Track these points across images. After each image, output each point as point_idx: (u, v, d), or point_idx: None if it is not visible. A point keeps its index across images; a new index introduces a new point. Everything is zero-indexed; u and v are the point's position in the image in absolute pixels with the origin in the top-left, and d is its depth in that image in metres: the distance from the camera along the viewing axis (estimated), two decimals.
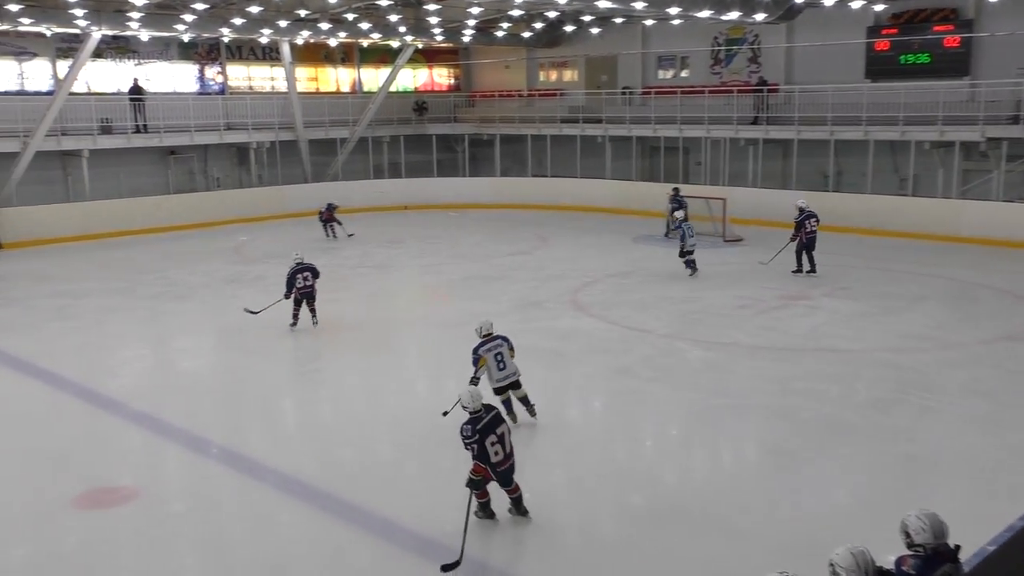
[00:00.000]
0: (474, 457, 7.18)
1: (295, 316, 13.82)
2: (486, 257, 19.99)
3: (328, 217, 22.93)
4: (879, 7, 23.00)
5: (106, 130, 24.44)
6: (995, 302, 15.13)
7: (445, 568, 6.66)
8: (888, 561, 4.61)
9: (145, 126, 25.02)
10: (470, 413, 7.26)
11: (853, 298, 15.26)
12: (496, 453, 7.20)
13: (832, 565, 4.39)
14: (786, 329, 13.48)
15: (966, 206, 20.90)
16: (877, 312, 14.32)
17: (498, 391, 9.44)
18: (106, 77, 25.75)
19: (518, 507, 7.53)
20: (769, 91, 25.12)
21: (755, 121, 25.00)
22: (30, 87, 24.39)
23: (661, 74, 29.38)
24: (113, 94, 25.50)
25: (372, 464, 8.93)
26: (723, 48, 27.57)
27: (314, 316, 13.88)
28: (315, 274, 13.97)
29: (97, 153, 24.08)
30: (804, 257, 17.01)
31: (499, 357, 9.40)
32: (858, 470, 8.50)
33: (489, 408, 7.36)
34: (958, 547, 4.56)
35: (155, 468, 9.04)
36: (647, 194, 25.04)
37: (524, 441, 9.38)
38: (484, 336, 9.46)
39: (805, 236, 16.81)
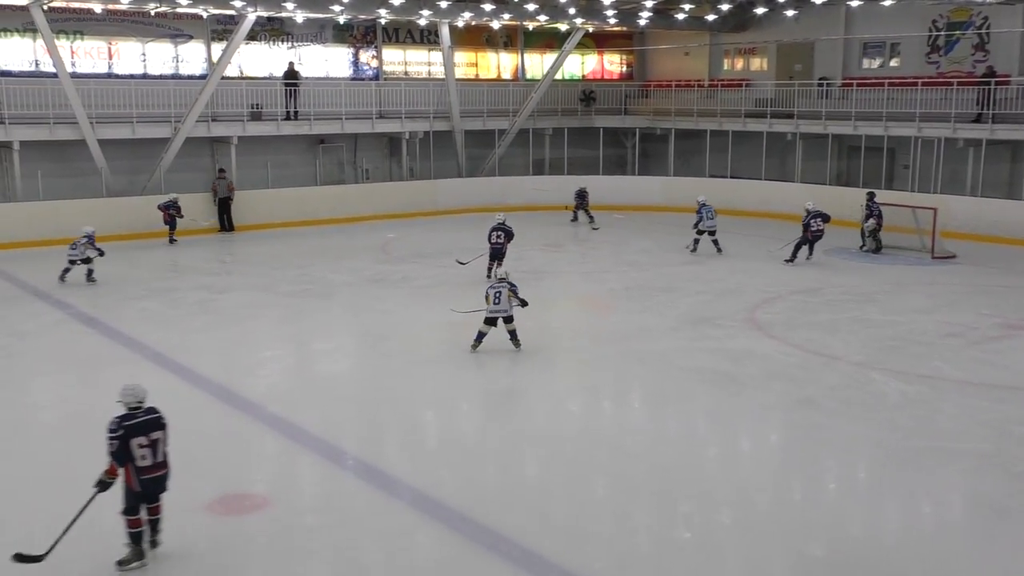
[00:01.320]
0: (111, 453, 7.20)
1: (488, 268, 17.67)
2: (654, 266, 19.85)
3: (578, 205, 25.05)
4: None
5: (256, 116, 25.81)
6: None
7: (22, 557, 6.96)
8: None
9: (296, 113, 26.26)
10: (125, 407, 7.32)
11: None
12: (143, 457, 7.27)
13: None
14: (1007, 364, 12.72)
15: None
16: None
17: (488, 321, 13.01)
18: (259, 61, 27.24)
19: (153, 529, 7.51)
20: (998, 83, 23.77)
21: (978, 118, 23.74)
22: (184, 71, 26.09)
23: (866, 63, 28.42)
24: (265, 78, 26.95)
25: (516, 488, 9.01)
26: (943, 33, 26.33)
27: (490, 270, 17.39)
28: (508, 236, 18.07)
29: (245, 140, 25.48)
30: (804, 250, 19.75)
31: (497, 296, 12.98)
32: None
33: (150, 410, 7.43)
34: None
35: (289, 477, 9.46)
36: (843, 200, 24.19)
37: (689, 470, 9.27)
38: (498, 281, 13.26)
39: (811, 234, 19.76)
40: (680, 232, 23.60)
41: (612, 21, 27.98)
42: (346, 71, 28.87)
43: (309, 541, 7.89)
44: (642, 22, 28.42)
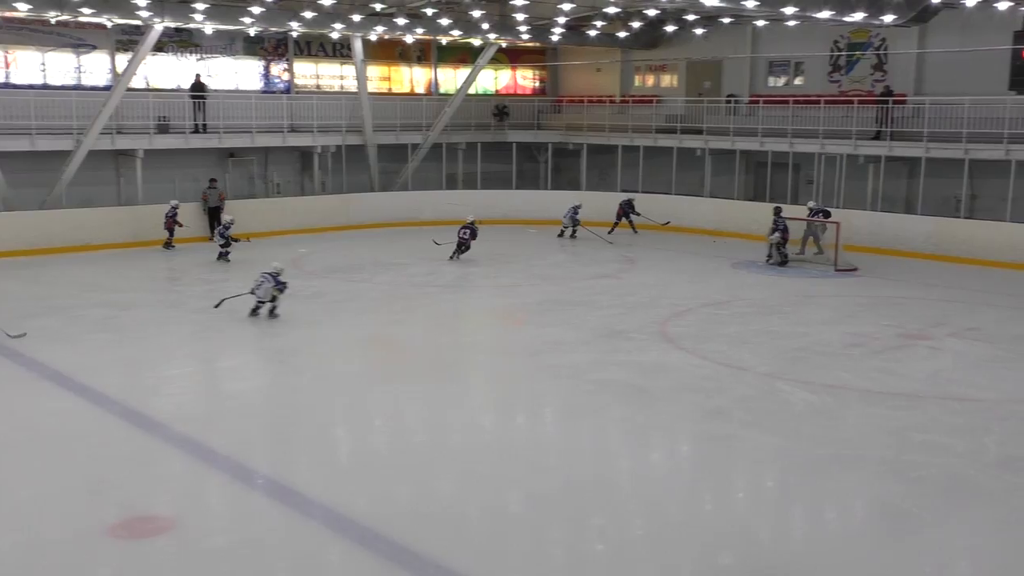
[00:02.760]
0: None
1: (451, 255, 21.56)
2: (567, 279, 20.00)
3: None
4: None
5: (163, 129, 25.29)
6: None
7: None
8: None
9: (204, 126, 25.82)
10: None
11: (984, 340, 14.81)
12: None
13: None
14: (905, 373, 13.12)
15: None
16: (1012, 358, 13.86)
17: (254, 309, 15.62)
18: (166, 72, 26.70)
19: None
20: (895, 102, 24.63)
21: (877, 136, 24.54)
22: (87, 82, 25.40)
23: (771, 81, 29.14)
24: (172, 90, 26.43)
25: (430, 504, 8.95)
26: (844, 53, 27.17)
27: (452, 256, 21.51)
28: (473, 234, 21.53)
29: (152, 154, 24.91)
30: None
31: (259, 285, 15.52)
32: (984, 538, 8.21)
33: None
34: None
35: (196, 497, 9.24)
36: (751, 214, 24.76)
37: (601, 484, 9.34)
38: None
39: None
40: (593, 247, 23.92)
41: (525, 37, 28.18)
42: (257, 84, 28.49)
43: (218, 563, 7.73)
44: (555, 38, 28.67)
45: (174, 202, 23.43)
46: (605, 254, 22.65)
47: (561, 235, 25.76)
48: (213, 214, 24.48)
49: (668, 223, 25.82)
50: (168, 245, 23.32)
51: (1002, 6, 21.32)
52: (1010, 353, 14.10)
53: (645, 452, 10.65)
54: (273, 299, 15.84)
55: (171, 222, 23.17)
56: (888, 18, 22.23)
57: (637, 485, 9.60)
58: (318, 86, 29.81)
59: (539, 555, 7.94)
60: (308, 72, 29.73)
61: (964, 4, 21.53)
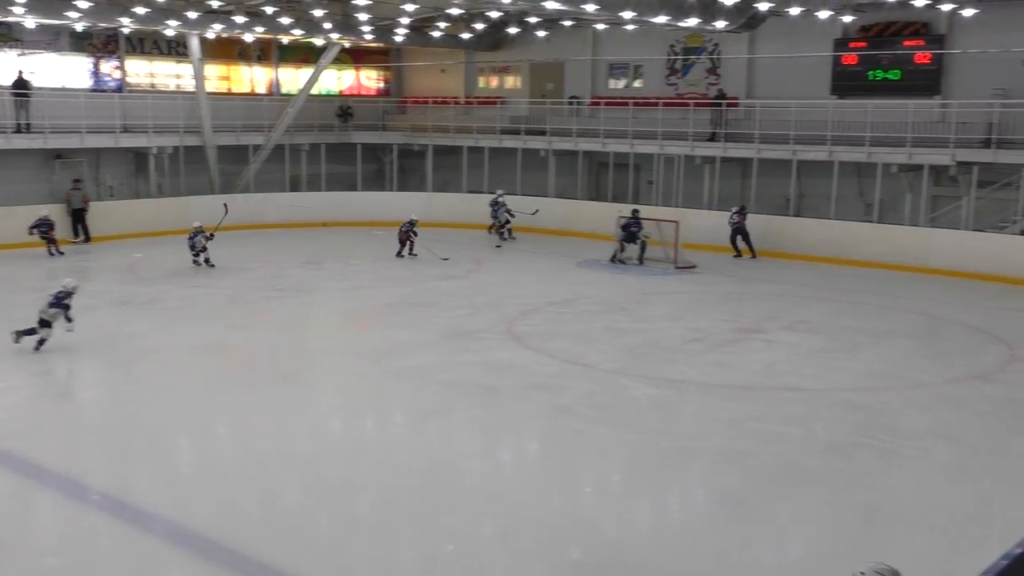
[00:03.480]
0: None
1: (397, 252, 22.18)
2: (414, 281, 19.94)
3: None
4: (847, 19, 23.65)
5: None
6: (964, 339, 15.56)
7: None
8: None
9: (28, 125, 24.48)
10: None
11: (814, 332, 15.59)
12: None
13: None
14: (741, 365, 13.67)
15: (934, 235, 21.55)
16: (839, 348, 14.64)
17: (43, 323, 13.76)
18: None
19: None
20: (728, 105, 25.64)
21: (712, 137, 25.46)
22: None
23: (612, 83, 29.80)
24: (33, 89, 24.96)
25: (277, 512, 8.78)
26: (680, 57, 28.07)
27: (402, 251, 22.26)
28: (413, 228, 22.38)
29: None
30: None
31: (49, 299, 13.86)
32: (815, 521, 8.64)
33: None
34: None
35: (24, 517, 8.78)
36: (594, 214, 25.28)
37: (449, 484, 9.36)
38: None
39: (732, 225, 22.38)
40: (441, 246, 23.87)
41: (368, 37, 27.93)
42: (86, 82, 27.20)
43: None
44: (398, 39, 28.55)
45: (44, 213, 22.50)
46: (453, 254, 22.69)
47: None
48: (77, 216, 24.05)
49: (536, 212, 25.72)
50: (53, 253, 22.38)
51: (823, 15, 22.52)
52: (836, 344, 14.89)
53: (494, 450, 10.74)
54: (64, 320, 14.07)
55: (40, 232, 22.20)
56: (720, 24, 23.11)
57: (487, 483, 9.67)
58: (153, 85, 28.72)
59: (389, 559, 7.89)
60: (142, 70, 28.58)
61: (789, 13, 22.61)
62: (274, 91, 31.53)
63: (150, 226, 25.64)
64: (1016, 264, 19.79)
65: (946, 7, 21.86)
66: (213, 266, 20.84)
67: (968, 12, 21.55)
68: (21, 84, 24.57)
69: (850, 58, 24.63)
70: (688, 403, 12.05)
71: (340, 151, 30.58)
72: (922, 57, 23.57)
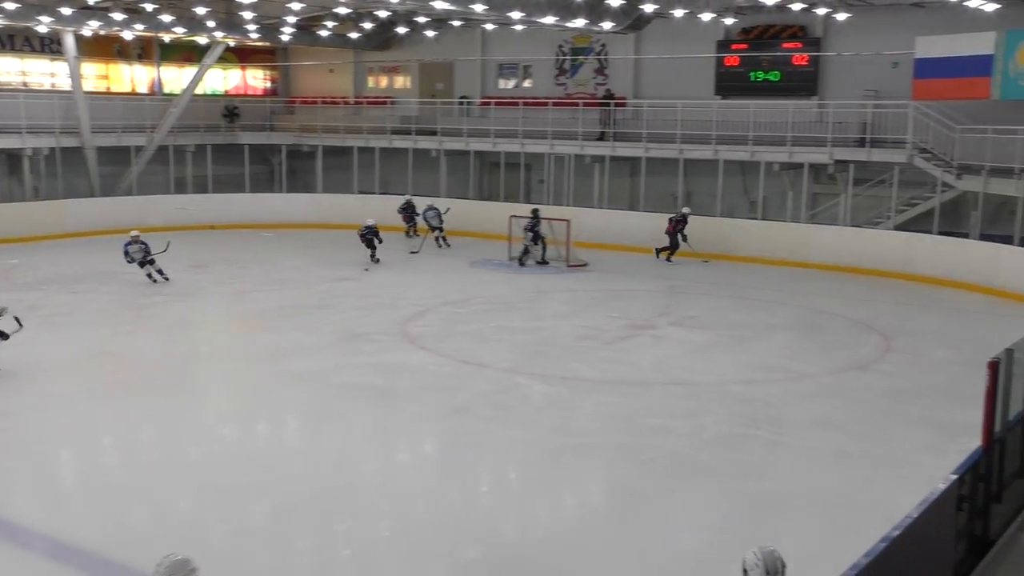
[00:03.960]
0: None
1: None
2: (306, 283, 19.67)
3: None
4: (729, 21, 24.29)
5: None
6: (843, 331, 16.14)
7: None
8: None
9: None
10: None
11: (702, 327, 15.95)
12: None
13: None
14: (633, 361, 13.91)
15: (814, 231, 22.32)
16: (726, 342, 15.02)
17: None
18: None
19: None
20: (616, 105, 26.01)
21: (601, 137, 25.80)
22: None
23: (502, 83, 29.96)
24: None
25: (166, 524, 8.53)
26: (568, 58, 28.36)
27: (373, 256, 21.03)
28: (377, 235, 21.43)
29: None
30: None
31: None
32: (707, 511, 8.84)
33: None
34: None
35: None
36: (486, 214, 25.33)
37: (347, 487, 9.28)
38: None
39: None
40: (332, 248, 23.65)
41: (254, 36, 27.44)
42: None
43: None
44: (285, 38, 28.14)
45: None
46: (345, 256, 22.45)
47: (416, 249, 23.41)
48: None
49: (448, 210, 25.30)
50: None
51: (706, 17, 23.08)
52: (725, 338, 15.27)
53: (391, 453, 10.67)
54: None
55: None
56: (607, 25, 23.46)
57: (383, 486, 9.60)
58: (25, 84, 27.64)
59: (284, 567, 7.78)
60: (13, 68, 27.53)
61: (673, 14, 23.09)
62: (156, 91, 30.71)
63: (25, 231, 24.63)
64: (890, 258, 20.63)
65: (821, 11, 22.67)
66: (167, 279, 19.21)
67: (841, 16, 22.41)
68: None
69: (732, 60, 25.29)
70: (582, 400, 12.16)
71: (227, 152, 29.91)
72: (800, 59, 24.38)
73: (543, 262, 21.85)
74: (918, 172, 21.12)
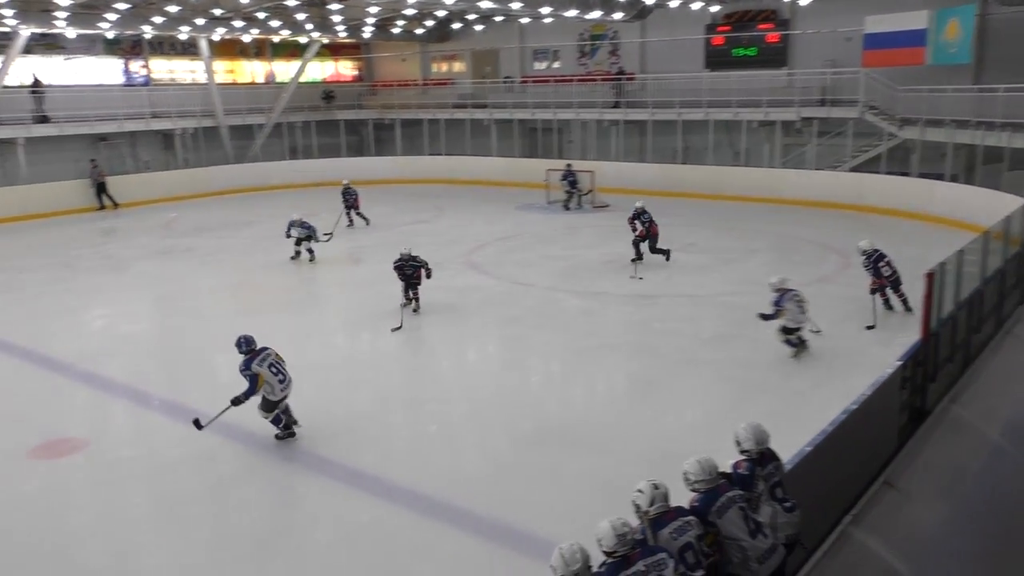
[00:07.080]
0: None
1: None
2: (391, 226, 19.74)
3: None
4: (715, 8, 23.58)
5: (42, 120, 22.92)
6: (810, 252, 15.90)
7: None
8: (728, 466, 4.87)
9: (45, 117, 23.17)
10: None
11: (699, 252, 15.81)
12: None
13: (685, 474, 4.49)
14: (647, 279, 13.85)
15: (787, 174, 21.82)
16: (718, 263, 14.89)
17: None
18: (44, 71, 24.01)
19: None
20: (627, 79, 25.50)
21: (616, 105, 25.35)
22: None
23: (536, 65, 29.39)
24: (50, 87, 23.81)
25: (301, 411, 8.76)
26: (588, 43, 27.75)
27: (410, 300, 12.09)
28: (417, 268, 12.08)
29: (33, 141, 22.63)
30: (888, 297, 11.40)
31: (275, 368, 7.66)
32: (706, 393, 8.92)
33: None
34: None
35: (103, 420, 8.73)
36: (528, 168, 25.14)
37: (431, 379, 9.49)
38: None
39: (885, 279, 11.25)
40: (410, 198, 23.65)
41: (342, 34, 27.16)
42: (119, 79, 26.15)
43: (126, 470, 7.36)
44: (366, 35, 27.81)
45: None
46: (420, 204, 22.41)
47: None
48: (100, 188, 23.03)
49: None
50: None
51: (696, 6, 22.43)
52: (717, 261, 15.12)
53: (462, 352, 10.84)
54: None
55: None
56: (618, 15, 22.90)
57: (458, 377, 9.80)
58: (173, 79, 27.69)
59: (386, 438, 8.01)
60: (163, 68, 27.52)
61: (670, 5, 22.49)
62: (270, 80, 30.55)
63: (180, 191, 25.00)
64: (846, 194, 20.16)
65: None
66: (313, 260, 15.95)
67: (805, 1, 21.62)
68: (36, 84, 23.48)
69: (718, 39, 24.55)
70: (608, 310, 12.21)
71: (326, 126, 29.90)
72: (772, 37, 23.59)
73: (580, 206, 21.67)
74: (868, 125, 20.52)
